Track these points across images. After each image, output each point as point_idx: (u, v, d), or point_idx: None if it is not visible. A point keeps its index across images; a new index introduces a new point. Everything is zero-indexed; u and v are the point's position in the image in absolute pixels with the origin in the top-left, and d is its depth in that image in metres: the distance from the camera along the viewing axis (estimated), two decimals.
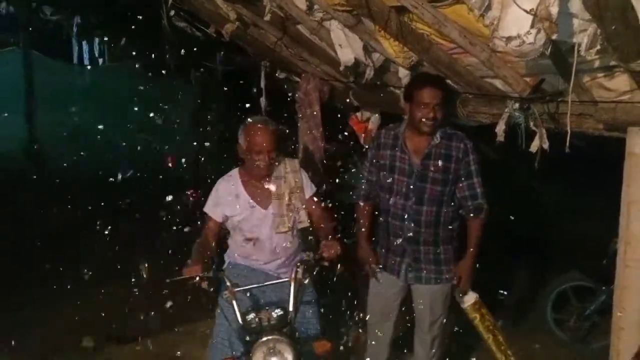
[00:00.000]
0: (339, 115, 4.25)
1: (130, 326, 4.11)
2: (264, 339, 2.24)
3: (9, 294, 4.38)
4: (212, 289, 2.54)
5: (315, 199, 2.88)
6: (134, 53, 8.23)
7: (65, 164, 7.59)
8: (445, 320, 3.04)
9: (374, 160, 2.97)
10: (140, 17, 5.24)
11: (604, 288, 3.84)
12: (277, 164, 2.77)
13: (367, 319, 3.16)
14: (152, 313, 4.31)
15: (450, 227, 2.91)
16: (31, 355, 3.68)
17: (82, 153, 7.89)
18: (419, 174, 2.82)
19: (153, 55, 6.83)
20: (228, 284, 2.42)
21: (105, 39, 7.63)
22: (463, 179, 2.83)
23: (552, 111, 2.47)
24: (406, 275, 2.94)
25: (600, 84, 2.22)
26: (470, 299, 3.05)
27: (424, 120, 2.74)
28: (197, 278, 2.38)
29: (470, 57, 2.56)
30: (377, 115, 3.98)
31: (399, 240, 2.89)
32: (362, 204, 3.06)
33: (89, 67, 10.79)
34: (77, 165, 7.64)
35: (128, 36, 6.90)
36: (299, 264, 2.52)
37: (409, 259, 2.92)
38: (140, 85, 8.86)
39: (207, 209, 2.81)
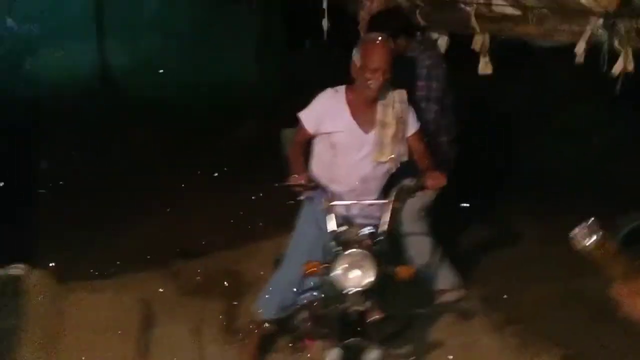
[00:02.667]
0: None
1: (195, 244, 4.33)
2: (351, 250, 2.30)
3: (80, 211, 4.68)
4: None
5: (419, 135, 2.79)
6: None
7: (135, 90, 7.83)
8: None
9: None
10: None
11: None
12: (385, 90, 2.68)
13: None
14: (216, 233, 4.55)
15: None
16: (101, 266, 3.90)
17: (151, 79, 8.09)
18: None
19: None
20: (329, 195, 2.51)
21: None
22: None
23: None
24: None
25: None
26: None
27: None
28: (302, 186, 2.48)
29: None
30: (445, 37, 3.78)
31: None
32: None
33: None
34: (147, 90, 7.84)
35: None
36: (399, 188, 2.52)
37: None
38: (204, 11, 8.88)
39: (303, 116, 2.73)
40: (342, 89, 2.75)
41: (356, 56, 2.61)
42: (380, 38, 2.58)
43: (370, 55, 2.54)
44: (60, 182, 4.95)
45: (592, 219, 1.28)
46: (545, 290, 3.84)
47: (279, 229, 3.84)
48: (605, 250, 1.32)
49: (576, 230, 1.29)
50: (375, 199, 2.79)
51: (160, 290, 3.66)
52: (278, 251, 3.79)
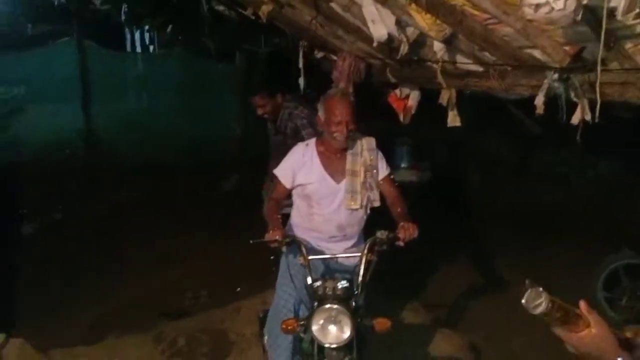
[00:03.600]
0: (377, 94, 4.22)
1: (179, 303, 4.29)
2: (327, 306, 2.30)
3: (62, 274, 4.65)
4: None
5: (390, 179, 2.87)
6: (180, 39, 8.40)
7: (120, 151, 7.91)
8: None
9: None
10: (185, 3, 5.35)
11: None
12: (353, 140, 2.77)
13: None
14: (201, 291, 4.53)
15: None
16: (82, 331, 3.88)
17: (135, 140, 8.18)
18: None
19: (198, 40, 6.96)
20: (304, 250, 2.51)
21: (153, 27, 7.76)
22: None
23: (594, 81, 2.34)
24: None
25: None
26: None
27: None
28: (277, 242, 2.48)
29: (506, 27, 2.46)
30: (416, 91, 3.91)
31: None
32: None
33: (139, 55, 11.07)
34: (130, 151, 7.93)
35: (173, 23, 7.03)
36: (372, 241, 2.53)
37: None
38: (188, 70, 9.08)
39: (279, 172, 2.83)
40: (312, 142, 2.86)
41: (320, 111, 2.73)
42: (340, 94, 2.70)
43: (333, 109, 2.65)
44: (41, 248, 4.95)
45: (527, 281, 1.20)
46: (533, 337, 3.83)
47: (263, 284, 3.85)
48: (559, 311, 1.21)
49: (524, 297, 1.19)
50: (354, 244, 2.87)
51: (143, 354, 3.60)
52: (262, 307, 3.78)
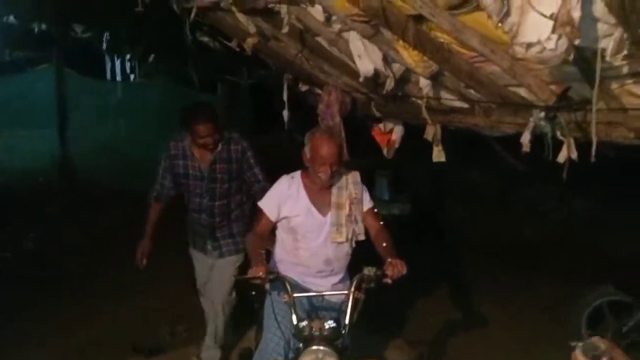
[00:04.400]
0: (361, 127, 4.21)
1: (154, 338, 4.12)
2: (313, 348, 2.22)
3: (28, 306, 4.46)
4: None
5: (374, 212, 2.86)
6: (162, 68, 8.38)
7: (96, 179, 7.75)
8: None
9: (169, 168, 3.48)
10: (168, 33, 5.33)
11: None
12: (339, 173, 2.76)
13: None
14: (177, 326, 4.36)
15: (240, 209, 3.57)
16: None
17: (113, 168, 8.04)
18: (208, 178, 3.40)
19: (181, 70, 6.95)
20: (288, 287, 2.44)
21: (135, 55, 7.73)
22: (247, 171, 3.47)
23: (580, 120, 2.36)
24: (212, 252, 3.55)
25: (629, 90, 2.11)
26: None
27: None
28: (261, 279, 2.41)
29: (493, 65, 2.47)
30: (400, 126, 3.92)
31: (201, 228, 3.54)
32: (154, 203, 3.53)
33: (119, 83, 11.00)
34: (108, 179, 7.78)
35: (156, 52, 7.01)
36: (359, 278, 2.47)
37: (210, 240, 3.52)
38: (169, 100, 9.02)
39: (263, 204, 2.79)
40: (297, 174, 2.82)
41: (307, 147, 2.70)
42: (327, 135, 2.69)
43: (319, 150, 2.63)
44: (10, 277, 4.76)
45: (594, 338, 1.12)
46: None
47: (245, 322, 3.74)
48: None
49: (578, 343, 1.11)
50: (340, 279, 2.83)
51: None
52: (244, 345, 3.66)
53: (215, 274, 3.57)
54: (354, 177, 2.84)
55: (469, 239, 6.22)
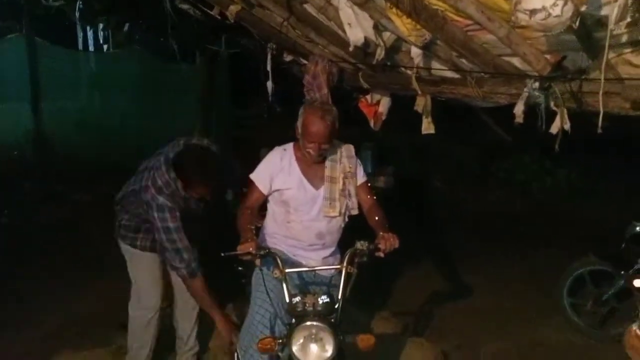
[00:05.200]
0: (346, 99, 4.15)
1: None
2: (307, 323, 2.18)
3: (14, 284, 4.36)
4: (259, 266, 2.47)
5: (367, 187, 2.80)
6: (137, 38, 8.12)
7: (72, 152, 7.55)
8: None
9: None
10: (145, 1, 5.13)
11: (622, 272, 3.73)
12: (333, 147, 2.69)
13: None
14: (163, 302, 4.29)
15: None
16: (37, 345, 3.63)
17: (88, 141, 7.83)
18: None
19: (158, 39, 6.72)
20: (279, 263, 2.38)
21: (109, 24, 7.45)
22: None
23: (575, 90, 2.34)
24: None
25: (627, 60, 2.09)
26: None
27: None
28: (251, 255, 2.35)
29: (488, 34, 2.43)
30: (387, 97, 3.86)
31: None
32: None
33: (92, 53, 10.66)
34: (82, 152, 7.58)
35: (132, 21, 6.76)
36: (352, 252, 2.42)
37: None
38: (146, 70, 8.79)
39: (255, 177, 2.70)
40: (290, 146, 2.75)
41: (299, 120, 2.63)
42: (320, 113, 2.57)
43: (309, 127, 2.56)
44: None
45: None
46: (502, 343, 3.85)
47: (235, 297, 3.69)
48: None
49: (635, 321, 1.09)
50: (331, 253, 2.79)
51: None
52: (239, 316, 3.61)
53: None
54: (348, 150, 2.78)
55: (452, 212, 6.26)
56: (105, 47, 11.14)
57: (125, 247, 3.18)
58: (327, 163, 2.71)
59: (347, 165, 2.73)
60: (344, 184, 2.70)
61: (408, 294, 4.58)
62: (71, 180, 6.71)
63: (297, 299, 2.26)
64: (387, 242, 2.43)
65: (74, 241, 5.23)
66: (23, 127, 7.71)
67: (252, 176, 2.72)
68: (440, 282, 4.73)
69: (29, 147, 7.57)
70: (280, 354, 2.37)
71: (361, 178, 2.79)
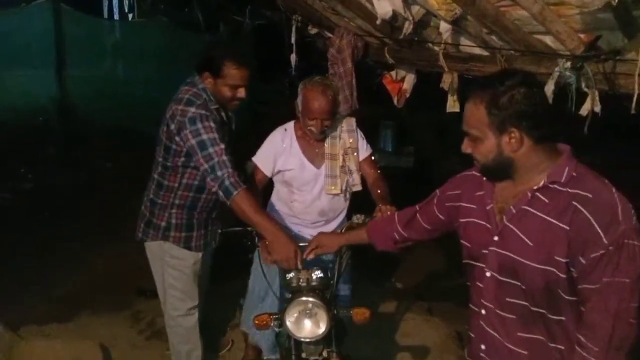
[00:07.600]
0: (369, 74, 4.10)
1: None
2: (301, 298, 2.16)
3: (35, 246, 4.45)
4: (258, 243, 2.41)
5: (371, 161, 2.76)
6: (162, 7, 8.08)
7: (95, 120, 7.61)
8: None
9: None
10: None
11: None
12: (333, 123, 2.64)
13: None
14: None
15: None
16: (58, 307, 3.72)
17: (112, 109, 7.87)
18: None
19: (183, 10, 6.70)
20: None
21: None
22: None
23: (608, 71, 2.27)
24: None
25: None
26: None
27: None
28: (248, 232, 2.33)
29: (520, 10, 2.37)
30: (412, 74, 3.80)
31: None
32: None
33: (117, 22, 10.65)
34: (107, 120, 7.63)
35: None
36: (347, 226, 2.40)
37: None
38: (170, 40, 8.75)
39: (258, 160, 2.70)
40: (290, 126, 2.72)
41: (299, 97, 2.58)
42: (320, 88, 2.50)
43: (309, 103, 2.51)
44: (11, 218, 4.70)
45: None
46: None
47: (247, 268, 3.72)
48: None
49: None
50: (335, 229, 2.76)
51: (118, 334, 3.45)
52: (243, 292, 3.65)
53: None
54: (348, 124, 2.73)
55: None
56: (130, 16, 11.13)
57: (174, 252, 2.72)
58: (328, 140, 2.68)
59: (347, 140, 2.69)
60: (343, 160, 2.67)
61: (423, 274, 4.58)
62: (93, 148, 6.78)
63: (292, 274, 2.23)
64: (385, 214, 2.36)
65: (94, 206, 5.30)
66: (47, 93, 7.76)
67: (255, 159, 2.71)
68: (457, 262, 4.70)
69: (54, 114, 7.63)
70: (277, 329, 2.35)
71: (364, 152, 2.75)
